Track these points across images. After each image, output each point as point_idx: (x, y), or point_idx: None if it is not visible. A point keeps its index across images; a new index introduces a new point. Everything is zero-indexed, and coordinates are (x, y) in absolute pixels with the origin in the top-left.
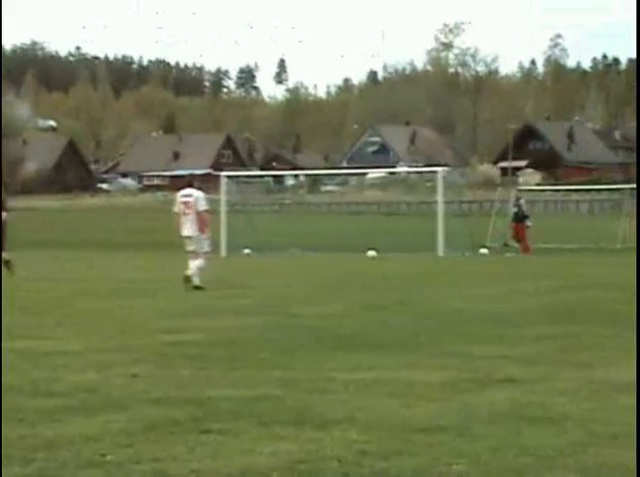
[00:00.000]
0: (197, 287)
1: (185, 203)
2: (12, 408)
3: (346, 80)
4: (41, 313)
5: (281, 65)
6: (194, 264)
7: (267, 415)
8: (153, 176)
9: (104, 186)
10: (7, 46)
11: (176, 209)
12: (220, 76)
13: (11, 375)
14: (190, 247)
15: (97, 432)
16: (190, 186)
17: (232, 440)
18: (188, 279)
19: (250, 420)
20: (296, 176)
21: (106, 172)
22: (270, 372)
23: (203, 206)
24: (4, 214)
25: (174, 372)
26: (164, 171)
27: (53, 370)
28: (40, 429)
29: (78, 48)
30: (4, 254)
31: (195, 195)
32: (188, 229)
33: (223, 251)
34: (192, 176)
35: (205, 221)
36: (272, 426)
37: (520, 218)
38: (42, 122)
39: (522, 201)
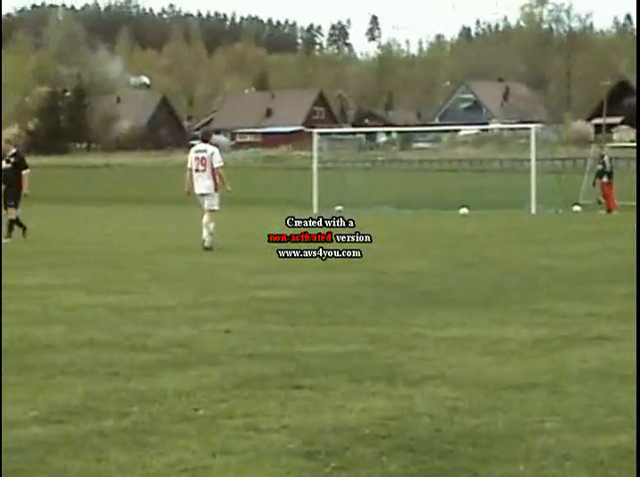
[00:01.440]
0: (206, 248)
1: (199, 159)
2: (106, 363)
3: (438, 37)
4: (132, 268)
5: (373, 21)
6: (208, 227)
7: (358, 371)
8: (246, 133)
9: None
10: (101, 4)
11: (189, 165)
12: (312, 32)
13: (105, 329)
14: (204, 205)
15: (190, 387)
16: (205, 141)
17: (323, 396)
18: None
19: (341, 376)
20: (388, 133)
21: (199, 129)
22: (360, 328)
23: (218, 162)
24: (25, 171)
25: (266, 327)
26: (256, 128)
27: (146, 325)
28: (134, 384)
29: (171, 5)
30: (12, 212)
31: (210, 150)
32: (201, 186)
33: (314, 208)
34: (207, 131)
35: (221, 177)
36: (363, 382)
37: (604, 174)
38: (135, 79)
39: (606, 158)
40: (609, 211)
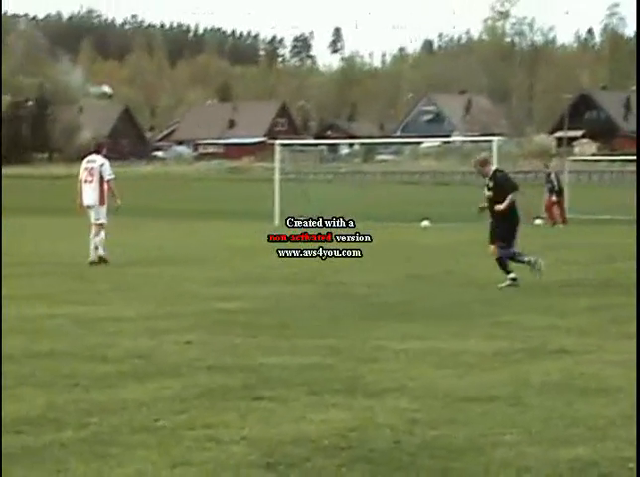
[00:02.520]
0: (92, 263)
1: (89, 169)
2: (66, 374)
3: (401, 49)
4: (94, 280)
5: (337, 33)
6: (95, 241)
7: (318, 383)
8: (208, 144)
9: (160, 154)
10: (64, 13)
11: (80, 176)
12: (275, 44)
13: (65, 340)
14: (92, 217)
15: (150, 398)
16: (97, 152)
17: (283, 408)
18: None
19: (302, 388)
20: (351, 145)
21: (161, 140)
22: (320, 340)
23: (109, 174)
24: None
25: (227, 339)
26: (219, 139)
27: (106, 335)
28: (94, 394)
29: (134, 16)
30: None
31: (99, 162)
32: (89, 197)
33: (276, 220)
34: (100, 142)
35: (111, 190)
36: (323, 394)
37: (552, 192)
38: (96, 90)
39: (552, 175)
40: (553, 223)
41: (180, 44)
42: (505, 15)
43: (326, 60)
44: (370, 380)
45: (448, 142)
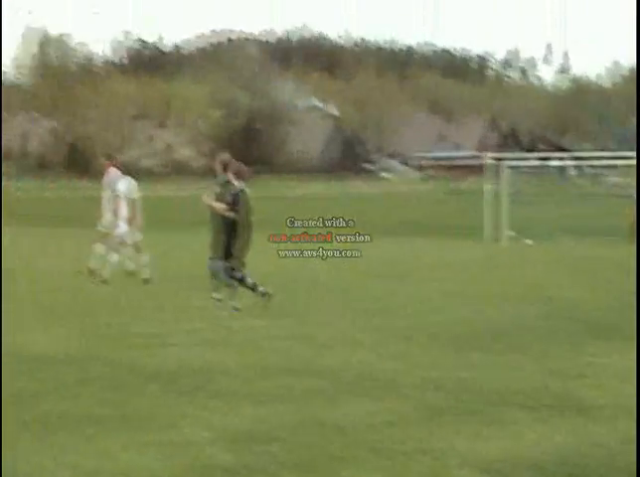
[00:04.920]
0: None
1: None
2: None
3: (615, 63)
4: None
5: (548, 49)
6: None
7: (533, 400)
8: (418, 157)
9: (372, 167)
10: (277, 29)
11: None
12: (486, 58)
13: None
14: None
15: (366, 414)
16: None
17: (497, 424)
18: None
19: (516, 404)
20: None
21: (375, 153)
22: (537, 360)
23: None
24: None
25: (438, 354)
26: (429, 152)
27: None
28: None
29: (346, 30)
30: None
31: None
32: None
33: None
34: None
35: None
36: (539, 410)
37: None
38: (307, 103)
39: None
40: None
41: (390, 58)
42: None
43: (544, 76)
44: (583, 395)
45: None
